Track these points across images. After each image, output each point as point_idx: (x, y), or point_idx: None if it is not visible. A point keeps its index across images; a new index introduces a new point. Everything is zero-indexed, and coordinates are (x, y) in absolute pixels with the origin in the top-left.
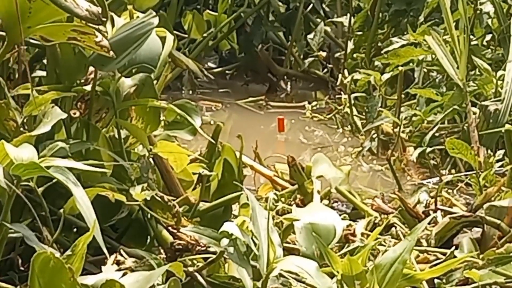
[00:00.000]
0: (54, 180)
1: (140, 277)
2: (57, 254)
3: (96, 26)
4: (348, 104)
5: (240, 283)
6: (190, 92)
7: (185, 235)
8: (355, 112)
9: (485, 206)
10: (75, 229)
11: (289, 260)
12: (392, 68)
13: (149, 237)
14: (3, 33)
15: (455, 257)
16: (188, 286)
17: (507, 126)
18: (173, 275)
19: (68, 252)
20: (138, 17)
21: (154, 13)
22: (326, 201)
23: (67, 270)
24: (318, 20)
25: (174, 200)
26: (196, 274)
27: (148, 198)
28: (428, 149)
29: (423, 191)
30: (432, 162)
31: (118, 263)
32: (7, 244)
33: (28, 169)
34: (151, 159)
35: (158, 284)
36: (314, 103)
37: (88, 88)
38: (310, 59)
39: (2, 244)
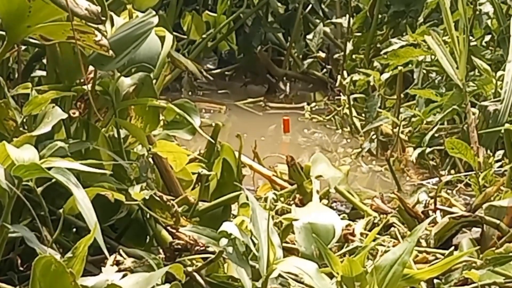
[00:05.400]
0: (54, 180)
1: (140, 279)
2: (57, 256)
3: (96, 26)
4: (347, 105)
5: (239, 283)
6: (189, 93)
7: (184, 235)
8: (354, 113)
9: (484, 206)
10: (74, 229)
11: (289, 261)
12: (391, 69)
13: (148, 237)
14: (3, 33)
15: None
16: (187, 286)
17: (507, 126)
18: (173, 275)
19: (69, 254)
20: (137, 17)
21: (154, 12)
22: (325, 201)
23: (68, 274)
24: (317, 21)
25: (173, 199)
26: (195, 274)
27: (147, 198)
28: (428, 150)
29: (423, 191)
30: (431, 162)
31: (117, 263)
32: (7, 244)
33: (29, 170)
34: (150, 159)
35: (157, 285)
36: (313, 104)
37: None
38: (309, 60)
39: (2, 244)
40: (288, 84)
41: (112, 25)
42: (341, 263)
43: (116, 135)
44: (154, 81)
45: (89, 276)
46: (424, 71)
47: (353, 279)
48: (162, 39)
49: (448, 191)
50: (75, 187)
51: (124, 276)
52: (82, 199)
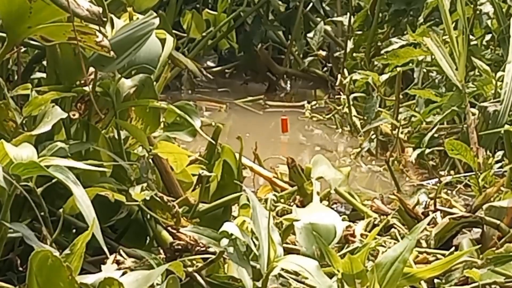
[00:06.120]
0: (54, 181)
1: (139, 276)
2: (56, 253)
3: (97, 26)
4: (347, 105)
5: (239, 283)
6: (189, 91)
7: (184, 235)
8: (354, 113)
9: (484, 206)
10: (74, 230)
11: (289, 259)
12: (391, 69)
13: (148, 237)
14: (3, 34)
15: None
16: (188, 287)
17: (506, 127)
18: (173, 274)
19: (67, 251)
20: (137, 18)
21: (154, 14)
22: (325, 202)
23: (65, 269)
24: (318, 19)
25: (173, 200)
26: (196, 274)
27: (148, 198)
28: (427, 150)
29: (422, 192)
30: (431, 163)
31: (117, 263)
32: (6, 244)
33: (27, 168)
34: (150, 160)
35: (157, 284)
36: (314, 102)
37: (87, 88)
38: (310, 58)
39: (1, 244)
40: (288, 82)
41: (112, 27)
42: (342, 261)
43: (116, 136)
44: (154, 83)
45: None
46: (424, 71)
47: (354, 277)
48: (162, 40)
49: (448, 191)
50: (73, 185)
51: (123, 274)
52: (81, 197)
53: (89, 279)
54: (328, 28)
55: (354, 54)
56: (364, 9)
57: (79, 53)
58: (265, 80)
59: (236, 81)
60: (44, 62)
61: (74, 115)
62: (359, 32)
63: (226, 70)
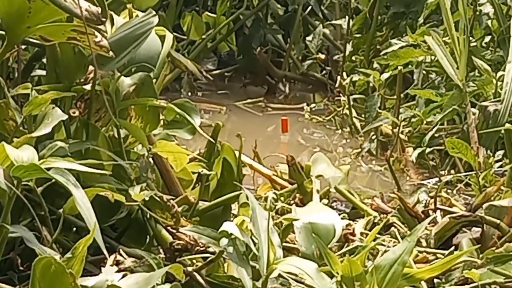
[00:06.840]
0: (54, 180)
1: (139, 279)
2: (57, 256)
3: (96, 26)
4: (347, 106)
5: (239, 283)
6: (189, 93)
7: (184, 235)
8: (354, 114)
9: (484, 206)
10: (74, 229)
11: (289, 261)
12: (391, 69)
13: (148, 237)
14: (3, 33)
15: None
16: (187, 286)
17: (507, 126)
18: (173, 275)
19: (68, 255)
20: (137, 16)
21: (153, 12)
22: (325, 201)
23: (68, 275)
24: (317, 22)
25: (173, 199)
26: (195, 274)
27: (147, 198)
28: (427, 150)
29: (423, 191)
30: (431, 162)
31: (117, 263)
32: (7, 243)
33: (28, 170)
34: (150, 159)
35: (157, 284)
36: (313, 105)
37: (87, 87)
38: (309, 61)
39: (2, 245)
40: (287, 85)
41: (112, 24)
42: (341, 263)
43: (116, 135)
44: (154, 81)
45: (89, 276)
46: (424, 72)
47: (353, 279)
48: (162, 38)
49: (448, 191)
50: (74, 187)
51: (124, 276)
52: (81, 199)
53: (90, 281)
54: (327, 31)
55: (353, 57)
56: (363, 12)
57: (78, 52)
58: (264, 83)
59: (235, 84)
60: (44, 60)
61: (74, 112)
62: (358, 35)
63: (226, 73)
